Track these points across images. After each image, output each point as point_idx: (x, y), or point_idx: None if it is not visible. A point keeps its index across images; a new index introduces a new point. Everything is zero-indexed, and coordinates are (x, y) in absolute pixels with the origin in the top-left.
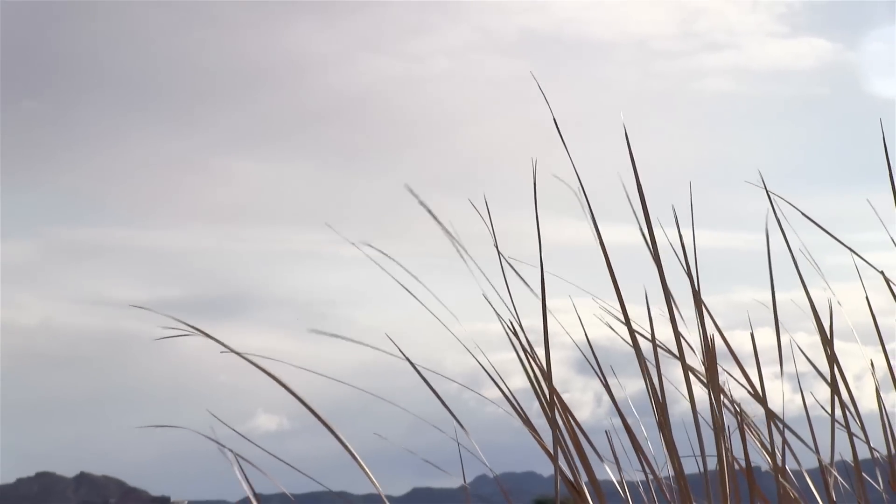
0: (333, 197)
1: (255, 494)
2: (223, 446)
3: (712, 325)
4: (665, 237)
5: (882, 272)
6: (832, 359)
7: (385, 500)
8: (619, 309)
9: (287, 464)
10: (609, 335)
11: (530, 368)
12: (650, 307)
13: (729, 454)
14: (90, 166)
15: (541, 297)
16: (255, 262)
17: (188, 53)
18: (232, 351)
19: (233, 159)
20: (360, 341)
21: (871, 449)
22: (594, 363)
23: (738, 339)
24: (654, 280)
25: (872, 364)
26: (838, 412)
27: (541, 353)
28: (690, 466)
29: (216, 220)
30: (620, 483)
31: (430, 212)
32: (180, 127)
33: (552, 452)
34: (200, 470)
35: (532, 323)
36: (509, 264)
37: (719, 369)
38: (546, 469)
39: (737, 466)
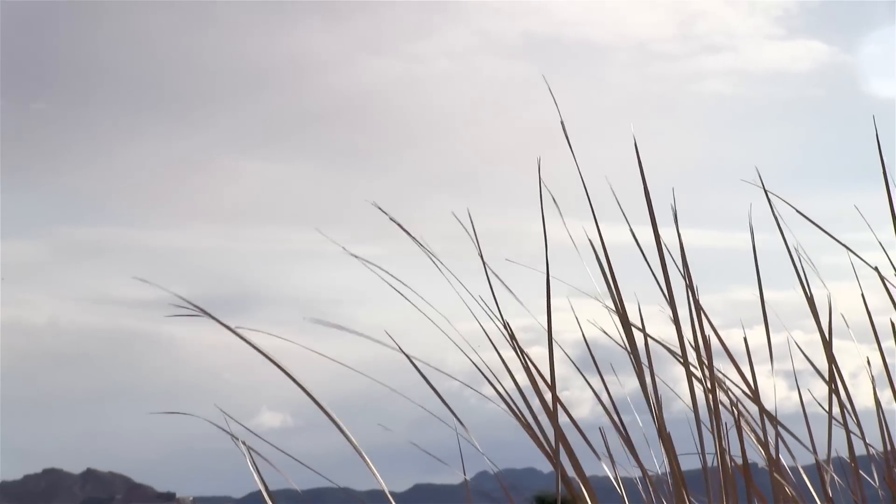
0: (335, 196)
1: (266, 488)
2: (236, 438)
3: (708, 323)
4: (660, 238)
5: (876, 268)
6: (830, 356)
7: (388, 496)
8: (618, 308)
9: (294, 458)
10: (610, 333)
11: (528, 367)
12: (649, 306)
13: (726, 451)
14: (96, 167)
15: (546, 298)
16: (257, 262)
17: (192, 55)
18: (239, 336)
19: (236, 159)
20: (364, 334)
21: (866, 445)
22: (593, 362)
23: (736, 338)
24: (650, 280)
25: (869, 362)
26: (836, 409)
27: (535, 352)
28: (689, 463)
29: (220, 219)
30: (616, 480)
31: (399, 225)
32: (184, 128)
33: (552, 452)
34: (205, 466)
35: (529, 323)
36: (494, 273)
37: (716, 367)
38: (546, 465)
39: (734, 463)
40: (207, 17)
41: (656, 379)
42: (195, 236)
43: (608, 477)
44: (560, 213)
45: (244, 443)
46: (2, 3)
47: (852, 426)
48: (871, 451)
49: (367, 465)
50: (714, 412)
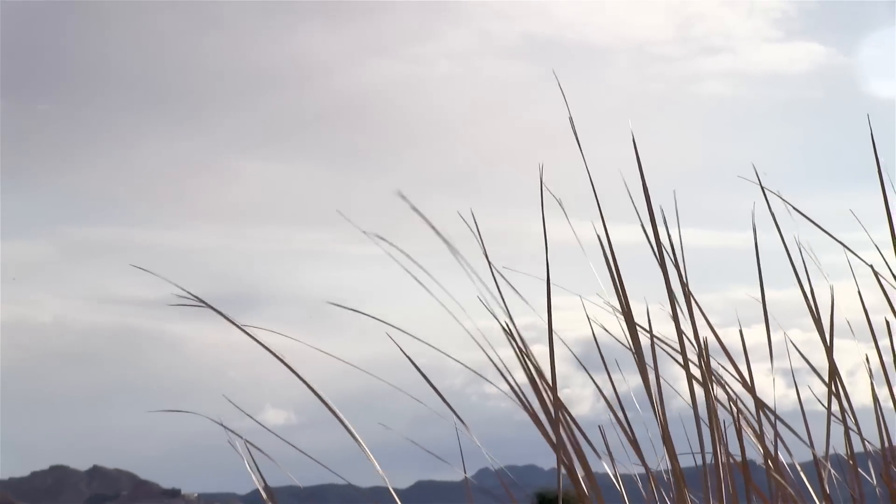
0: (338, 196)
1: (265, 486)
2: (239, 435)
3: (706, 321)
4: (666, 237)
5: (871, 266)
6: (830, 354)
7: (392, 492)
8: (619, 306)
9: (302, 451)
10: (610, 331)
11: (529, 365)
12: (650, 304)
13: (724, 449)
14: (101, 167)
15: (547, 297)
16: (261, 261)
17: (196, 56)
18: (243, 330)
19: (240, 159)
20: (381, 319)
21: (863, 440)
22: (595, 359)
23: (733, 336)
24: (650, 278)
25: (868, 359)
26: (834, 407)
27: (537, 350)
28: (689, 461)
29: (224, 219)
30: (616, 476)
31: (424, 217)
32: (190, 128)
33: (555, 447)
34: (210, 463)
35: (531, 321)
36: (499, 272)
37: (715, 365)
38: (547, 462)
39: (733, 461)
40: (211, 19)
41: (654, 377)
42: (199, 236)
43: (607, 474)
44: (565, 213)
45: (246, 440)
46: (7, 4)
47: (851, 423)
48: (869, 448)
49: (371, 460)
50: (713, 410)
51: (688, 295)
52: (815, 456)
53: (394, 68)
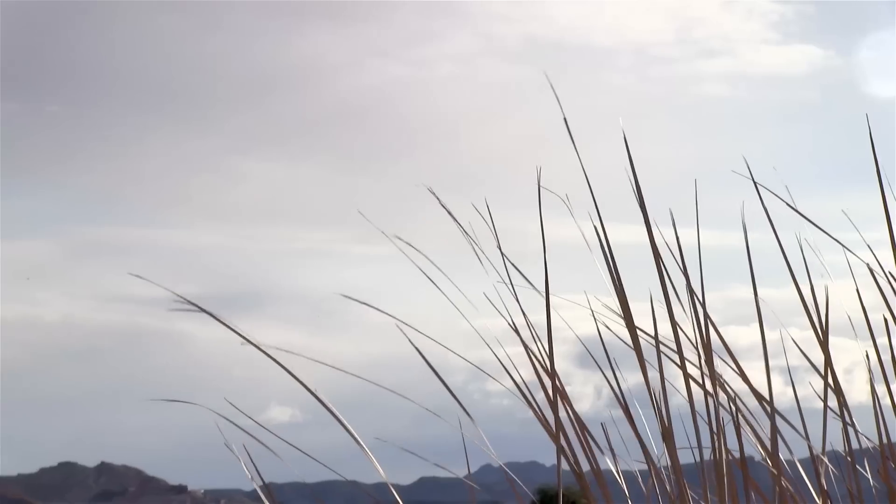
0: (343, 197)
1: (264, 484)
2: (245, 431)
3: (706, 319)
4: (662, 236)
5: (867, 264)
6: (826, 351)
7: (391, 489)
8: (619, 305)
9: (303, 452)
10: (611, 329)
11: (535, 361)
12: (652, 303)
13: (723, 445)
14: (109, 168)
15: (545, 293)
16: (267, 260)
17: (202, 59)
18: (243, 337)
19: (246, 160)
20: (387, 312)
21: (858, 435)
22: (596, 357)
23: (733, 334)
24: (652, 278)
25: (868, 356)
26: (831, 403)
27: (542, 346)
28: (688, 457)
29: (230, 219)
30: (618, 472)
31: (450, 213)
32: (196, 130)
33: (556, 442)
34: (216, 460)
35: (533, 319)
36: (512, 264)
37: (714, 362)
38: (548, 459)
39: (731, 457)
40: (217, 23)
41: (656, 374)
42: (205, 235)
43: (608, 470)
44: (571, 212)
45: (252, 436)
46: (16, 8)
47: (847, 419)
48: (866, 445)
49: (370, 459)
50: (710, 406)
51: (692, 294)
52: (811, 449)
53: (397, 70)
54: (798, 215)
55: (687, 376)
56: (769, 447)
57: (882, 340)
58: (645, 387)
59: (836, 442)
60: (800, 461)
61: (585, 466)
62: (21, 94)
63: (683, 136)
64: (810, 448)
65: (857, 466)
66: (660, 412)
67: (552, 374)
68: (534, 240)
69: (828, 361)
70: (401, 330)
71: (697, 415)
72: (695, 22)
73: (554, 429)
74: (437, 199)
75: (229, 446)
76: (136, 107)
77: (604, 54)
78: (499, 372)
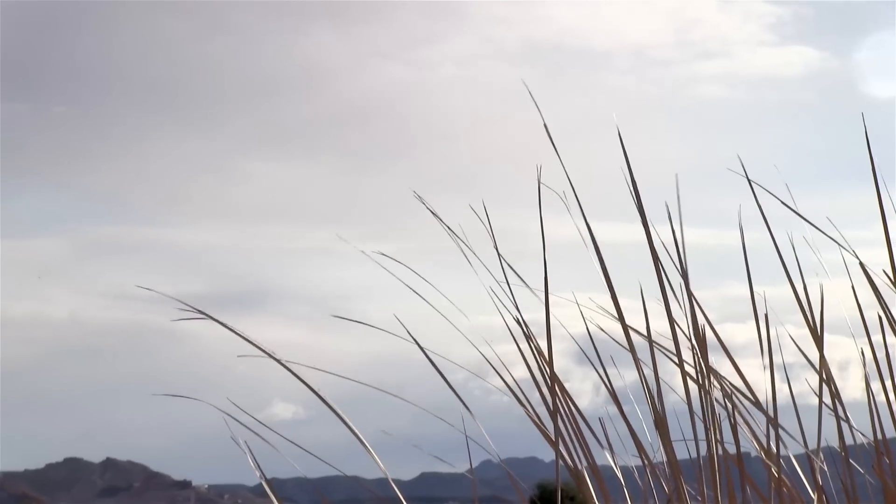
0: (345, 197)
1: (266, 480)
2: (248, 428)
3: (703, 316)
4: (658, 235)
5: (860, 260)
6: (820, 347)
7: (392, 484)
8: (612, 303)
9: (304, 449)
10: (608, 327)
11: (533, 358)
12: (643, 300)
13: (719, 441)
14: (116, 168)
15: (544, 292)
16: (270, 259)
17: (207, 60)
18: (246, 340)
19: (249, 161)
20: (379, 327)
21: (852, 431)
22: (593, 354)
23: (729, 331)
24: (650, 276)
25: (863, 353)
26: (826, 399)
27: (542, 344)
28: (686, 453)
29: (234, 218)
30: (617, 468)
31: (436, 215)
32: (200, 130)
33: (553, 439)
34: (220, 455)
35: (533, 317)
36: (507, 264)
37: (710, 359)
38: (548, 454)
39: (726, 452)
40: (221, 25)
41: (651, 371)
42: (212, 234)
43: (605, 465)
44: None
45: (255, 433)
46: (24, 10)
47: (841, 415)
48: (860, 440)
49: (372, 455)
50: (706, 403)
51: (690, 294)
52: (806, 445)
53: (398, 71)
54: (794, 214)
55: (684, 374)
56: (765, 443)
57: (877, 338)
58: (641, 384)
59: (831, 438)
60: (795, 457)
61: (583, 463)
62: (30, 94)
63: (681, 137)
64: (805, 444)
65: (852, 462)
66: (654, 408)
67: (552, 377)
68: (533, 239)
69: (823, 358)
70: (400, 331)
71: (693, 411)
72: (692, 24)
73: (552, 434)
74: (424, 203)
75: (236, 440)
76: (142, 107)
77: (603, 56)
78: (499, 370)
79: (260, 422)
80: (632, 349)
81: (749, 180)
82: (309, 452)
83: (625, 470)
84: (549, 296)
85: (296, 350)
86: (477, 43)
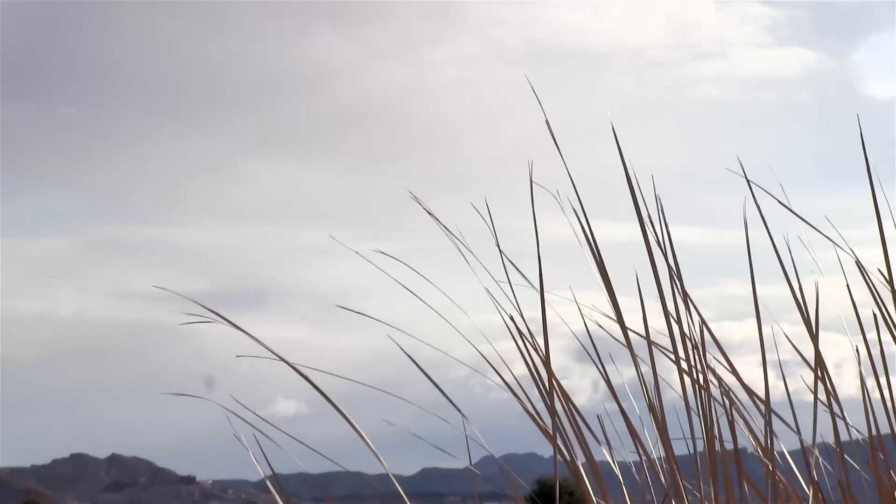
0: (345, 196)
1: (273, 474)
2: (251, 425)
3: (697, 314)
4: (654, 234)
5: (856, 257)
6: (816, 344)
7: (393, 479)
8: (609, 301)
9: (306, 446)
10: (606, 325)
11: (529, 356)
12: (641, 299)
13: (717, 437)
14: (120, 168)
15: (540, 290)
16: (272, 258)
17: (209, 61)
18: (253, 338)
19: (250, 160)
20: (381, 320)
21: (848, 427)
22: (592, 352)
23: (726, 329)
24: (649, 274)
25: (857, 351)
26: (821, 396)
27: (540, 341)
28: (684, 450)
29: (234, 218)
30: (615, 463)
31: (432, 215)
32: (202, 130)
33: (552, 435)
34: (224, 451)
35: (532, 315)
36: (510, 261)
37: (707, 356)
38: (547, 450)
39: (724, 448)
40: (221, 25)
41: (648, 369)
42: (215, 233)
43: (603, 461)
44: (563, 211)
45: (258, 430)
46: (29, 12)
47: (836, 411)
48: (856, 436)
49: (373, 452)
50: (702, 400)
51: (685, 294)
52: (802, 442)
53: (399, 72)
54: (791, 213)
55: (681, 371)
56: (762, 440)
57: (871, 335)
58: (639, 381)
59: (826, 434)
60: (791, 453)
61: (581, 459)
62: (36, 95)
63: (679, 138)
64: (801, 440)
65: (847, 458)
66: (652, 404)
67: (550, 376)
68: (532, 238)
69: (818, 356)
70: (390, 337)
71: (690, 408)
72: (690, 26)
73: (550, 430)
74: (420, 203)
75: (239, 437)
76: (146, 108)
77: (601, 57)
78: (499, 367)
79: (263, 418)
80: (629, 347)
81: (748, 181)
82: (311, 448)
83: (622, 465)
84: (548, 294)
85: (296, 348)
86: (477, 44)
